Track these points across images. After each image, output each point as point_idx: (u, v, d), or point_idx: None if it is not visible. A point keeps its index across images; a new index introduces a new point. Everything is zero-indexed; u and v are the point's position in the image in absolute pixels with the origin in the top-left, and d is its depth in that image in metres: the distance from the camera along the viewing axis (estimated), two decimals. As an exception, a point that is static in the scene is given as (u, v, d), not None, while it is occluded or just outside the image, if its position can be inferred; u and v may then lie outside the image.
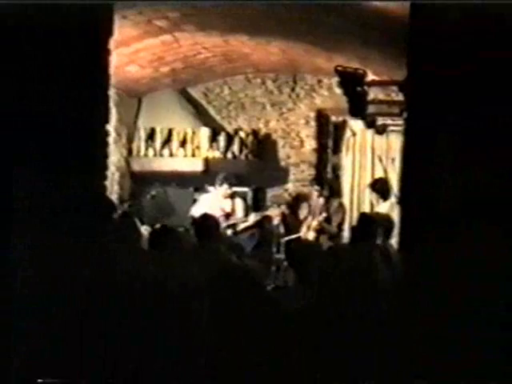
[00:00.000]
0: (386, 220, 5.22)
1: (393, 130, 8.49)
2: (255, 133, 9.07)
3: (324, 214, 7.34)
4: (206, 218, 5.33)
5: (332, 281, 3.59)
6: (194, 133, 8.58)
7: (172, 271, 3.99)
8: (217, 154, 8.56)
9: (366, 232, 4.66)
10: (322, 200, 7.44)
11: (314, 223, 7.21)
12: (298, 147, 9.17)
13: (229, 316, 3.53)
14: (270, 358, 3.36)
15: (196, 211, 6.97)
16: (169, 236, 4.26)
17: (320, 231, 7.11)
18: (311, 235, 7.04)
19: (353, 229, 5.22)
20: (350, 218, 8.26)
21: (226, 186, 7.47)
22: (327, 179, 8.13)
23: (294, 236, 6.76)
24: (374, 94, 7.46)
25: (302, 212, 7.73)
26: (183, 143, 8.55)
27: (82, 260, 3.37)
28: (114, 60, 3.93)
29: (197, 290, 3.74)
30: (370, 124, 8.15)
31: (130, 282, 3.71)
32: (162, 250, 4.13)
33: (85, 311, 3.33)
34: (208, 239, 4.70)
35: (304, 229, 7.24)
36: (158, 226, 6.60)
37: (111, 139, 6.15)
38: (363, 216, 5.71)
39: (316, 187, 7.66)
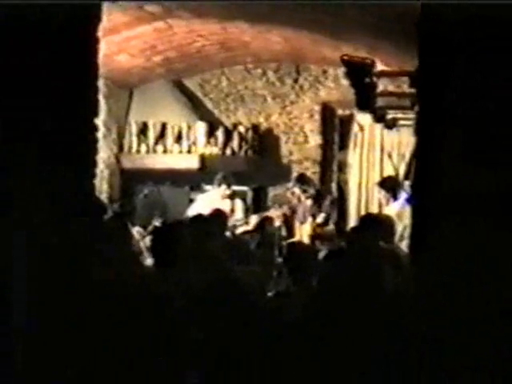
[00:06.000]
0: (387, 221, 5.24)
1: (403, 125, 8.49)
2: (255, 127, 9.08)
3: (319, 219, 7.30)
4: (214, 214, 5.38)
5: (335, 287, 3.59)
6: (189, 127, 8.59)
7: (167, 275, 3.99)
8: (214, 151, 8.58)
9: (369, 233, 4.68)
10: (309, 202, 7.40)
11: (307, 228, 7.19)
12: (301, 143, 9.19)
13: (227, 323, 3.54)
14: (269, 366, 3.36)
15: (192, 212, 6.98)
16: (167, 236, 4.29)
17: (315, 236, 7.09)
18: (306, 240, 7.02)
19: (353, 230, 5.23)
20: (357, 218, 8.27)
21: (224, 186, 7.48)
22: (308, 178, 8.08)
23: (291, 240, 6.76)
24: (383, 85, 7.47)
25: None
26: (178, 139, 8.56)
27: (69, 264, 3.37)
28: (103, 49, 3.91)
29: (194, 295, 3.74)
30: (379, 118, 8.15)
31: (121, 286, 3.72)
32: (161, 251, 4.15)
33: (74, 317, 3.34)
34: (212, 238, 4.76)
35: (297, 235, 7.23)
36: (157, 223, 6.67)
37: (100, 134, 6.12)
38: (366, 217, 5.73)
39: (301, 187, 7.57)
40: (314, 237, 7.11)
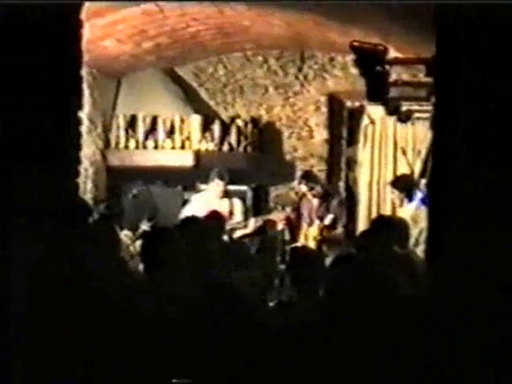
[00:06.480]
0: (401, 224, 5.25)
1: (419, 118, 8.51)
2: (255, 121, 9.08)
3: (327, 221, 7.30)
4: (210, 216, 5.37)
5: (343, 296, 3.59)
6: (182, 121, 8.59)
7: (158, 282, 4.00)
8: (210, 147, 8.57)
9: (380, 238, 4.70)
10: (316, 202, 7.41)
11: (313, 231, 7.19)
12: (306, 138, 9.19)
13: (224, 335, 3.54)
14: (270, 382, 3.37)
15: (186, 213, 6.98)
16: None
17: (322, 240, 7.10)
18: (312, 245, 7.03)
19: (364, 234, 5.24)
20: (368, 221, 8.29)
21: (218, 182, 7.48)
22: (314, 175, 8.10)
23: (295, 244, 6.77)
24: (396, 74, 7.47)
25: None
26: (170, 133, 8.56)
27: (51, 271, 3.38)
28: (87, 33, 3.92)
29: (188, 305, 3.75)
30: (392, 110, 8.15)
31: (108, 295, 3.72)
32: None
33: (58, 327, 3.35)
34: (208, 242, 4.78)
35: (301, 238, 7.23)
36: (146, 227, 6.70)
37: (84, 129, 6.14)
38: (378, 219, 5.74)
39: (308, 185, 7.57)
40: (320, 240, 7.11)
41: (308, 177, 7.79)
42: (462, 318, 3.22)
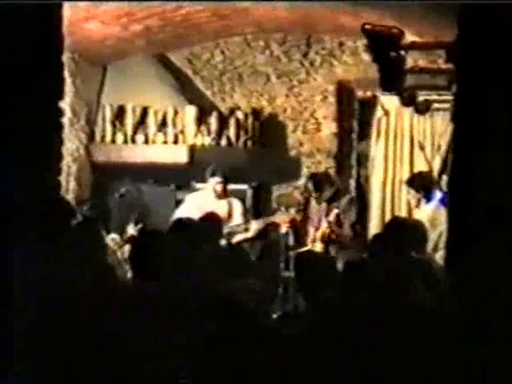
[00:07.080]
0: (418, 227, 5.26)
1: (438, 109, 8.50)
2: (257, 113, 9.08)
3: (331, 218, 7.31)
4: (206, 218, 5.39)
5: (354, 306, 3.60)
6: (176, 112, 8.60)
7: (149, 291, 4.01)
8: (206, 141, 8.58)
9: (395, 242, 4.70)
10: (324, 205, 7.42)
11: (319, 233, 7.20)
12: (312, 131, 9.19)
13: (223, 351, 3.55)
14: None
15: (180, 215, 6.99)
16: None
17: (328, 241, 7.11)
18: (319, 247, 7.04)
19: (377, 237, 5.25)
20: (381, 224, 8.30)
21: (216, 179, 7.48)
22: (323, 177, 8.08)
23: (301, 249, 6.77)
24: (413, 60, 7.48)
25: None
26: (162, 126, 8.57)
27: (31, 278, 3.39)
28: (68, 15, 3.92)
29: (182, 316, 3.76)
30: (409, 101, 8.16)
31: (93, 304, 3.73)
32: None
33: (38, 337, 3.36)
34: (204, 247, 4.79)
35: (309, 243, 7.24)
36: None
37: (66, 120, 6.15)
38: (392, 222, 5.75)
39: (316, 188, 7.57)
40: (327, 242, 7.10)
41: (315, 179, 7.75)
42: (485, 327, 3.23)
